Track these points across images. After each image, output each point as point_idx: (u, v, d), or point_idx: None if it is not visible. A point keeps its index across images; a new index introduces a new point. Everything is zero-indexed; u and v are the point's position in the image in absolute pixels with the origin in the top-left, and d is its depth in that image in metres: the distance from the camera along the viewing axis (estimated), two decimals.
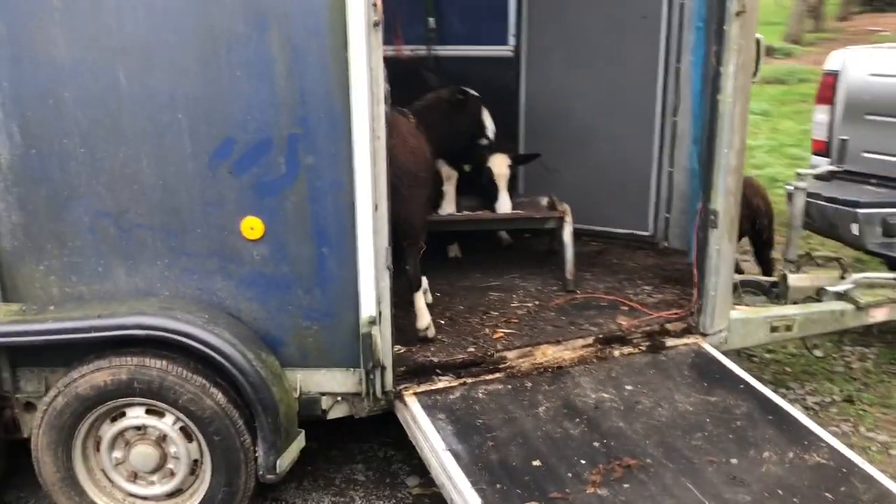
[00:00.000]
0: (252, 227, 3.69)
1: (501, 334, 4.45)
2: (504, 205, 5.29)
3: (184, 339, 3.51)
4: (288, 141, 3.59)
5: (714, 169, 4.31)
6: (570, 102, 5.79)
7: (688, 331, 4.59)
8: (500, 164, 5.27)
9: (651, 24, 5.54)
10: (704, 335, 4.53)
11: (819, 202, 5.78)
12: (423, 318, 4.38)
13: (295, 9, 3.45)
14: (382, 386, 3.88)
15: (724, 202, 4.34)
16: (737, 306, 4.89)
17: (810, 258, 5.40)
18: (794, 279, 5.07)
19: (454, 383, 4.02)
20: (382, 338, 3.82)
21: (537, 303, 4.91)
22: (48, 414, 3.60)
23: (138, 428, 3.70)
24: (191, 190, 3.66)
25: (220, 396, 3.59)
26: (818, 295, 5.03)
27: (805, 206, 5.29)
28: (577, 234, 5.96)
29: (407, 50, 6.29)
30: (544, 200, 5.57)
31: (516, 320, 4.64)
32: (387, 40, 6.25)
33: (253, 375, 3.56)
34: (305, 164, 3.62)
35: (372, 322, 3.73)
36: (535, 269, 5.42)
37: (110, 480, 3.79)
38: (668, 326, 4.61)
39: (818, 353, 5.42)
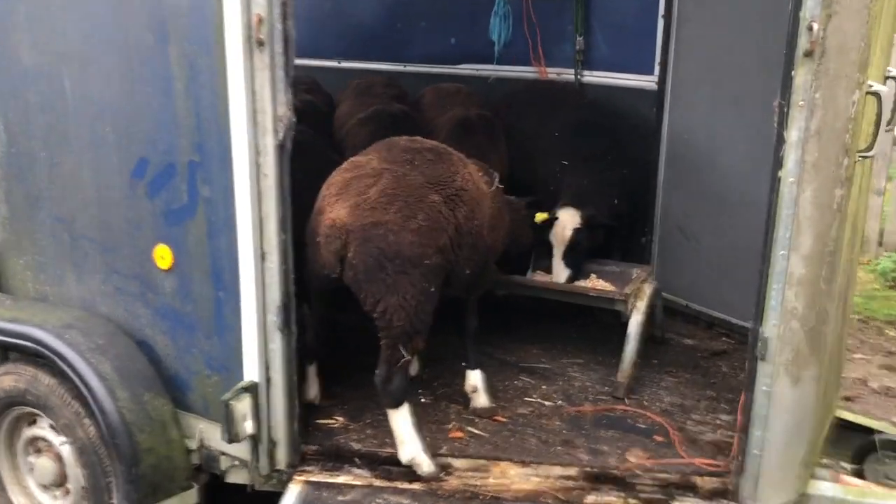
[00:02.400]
0: (163, 255, 3.38)
1: (461, 435, 3.56)
2: (557, 272, 4.26)
3: (59, 362, 3.34)
4: (188, 168, 3.21)
5: (767, 278, 2.94)
6: (715, 152, 4.45)
7: (722, 494, 3.24)
8: (562, 222, 4.25)
9: None
10: None
11: None
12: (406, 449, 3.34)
13: (188, 20, 3.04)
14: (272, 462, 3.33)
15: (781, 327, 2.94)
16: (847, 478, 3.37)
17: None
18: None
19: (358, 482, 3.30)
20: (272, 409, 3.27)
21: (559, 403, 3.87)
22: None
23: (45, 439, 3.64)
24: (119, 206, 3.46)
25: (91, 429, 3.35)
26: None
27: None
28: (709, 324, 4.68)
29: (552, 74, 5.43)
30: (635, 272, 4.38)
31: (505, 419, 3.69)
32: (525, 61, 5.56)
33: (112, 416, 3.25)
34: (203, 195, 3.20)
35: (247, 389, 3.19)
36: (609, 360, 4.28)
37: (26, 485, 3.79)
38: (697, 480, 3.29)
39: None
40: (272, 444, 3.32)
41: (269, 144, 3.00)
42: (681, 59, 4.56)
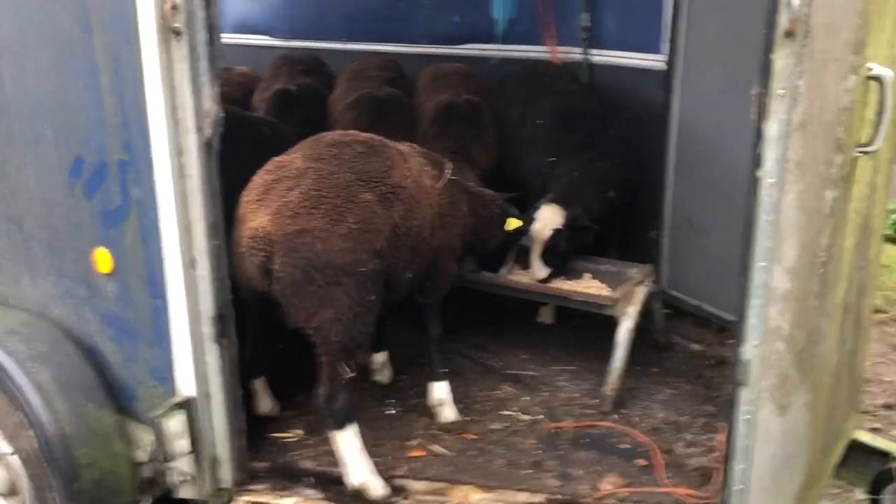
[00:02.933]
0: (103, 259, 3.17)
1: (423, 454, 3.28)
2: (535, 269, 3.90)
3: None
4: (119, 167, 2.98)
5: (746, 293, 2.55)
6: (728, 138, 4.00)
7: None
8: (542, 220, 3.87)
9: None
10: None
11: None
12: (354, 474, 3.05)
13: (109, 8, 2.79)
14: (215, 481, 3.12)
15: (764, 349, 2.56)
16: None
17: None
18: None
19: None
20: (212, 425, 3.06)
21: (538, 417, 3.56)
22: None
23: None
24: (61, 207, 3.27)
25: (34, 441, 3.19)
26: None
27: None
28: (721, 328, 4.28)
29: (561, 53, 5.02)
30: (633, 271, 4.00)
31: (473, 436, 3.40)
32: (539, 40, 5.15)
33: (48, 428, 3.08)
34: (134, 197, 2.97)
35: (181, 405, 2.98)
36: (606, 368, 3.90)
37: None
38: None
39: None
40: (215, 461, 3.11)
41: (191, 143, 2.75)
42: (691, 37, 4.10)
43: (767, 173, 2.40)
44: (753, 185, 2.46)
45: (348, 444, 3.00)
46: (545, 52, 5.03)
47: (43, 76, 3.11)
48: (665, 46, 4.28)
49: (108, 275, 3.18)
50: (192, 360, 2.96)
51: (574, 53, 4.91)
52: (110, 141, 2.95)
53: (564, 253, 3.91)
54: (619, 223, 4.33)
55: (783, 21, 2.25)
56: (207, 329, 2.94)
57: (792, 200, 2.42)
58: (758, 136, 2.42)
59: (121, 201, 3.02)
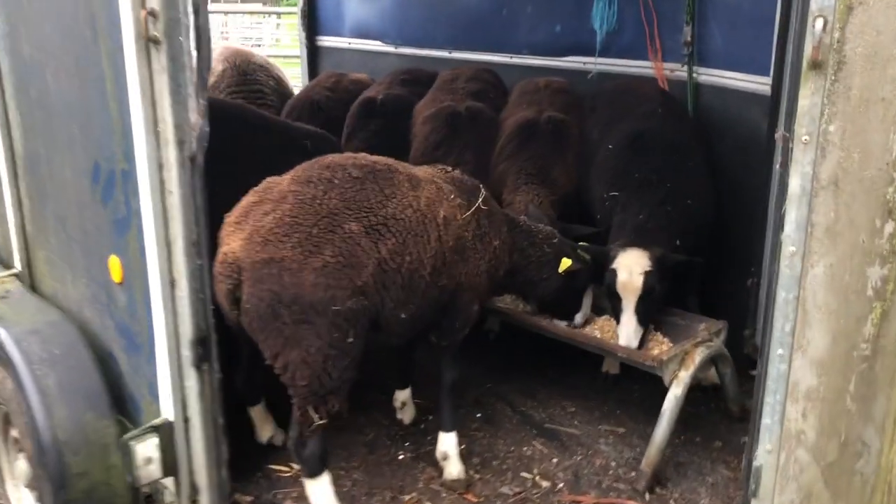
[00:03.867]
0: (115, 267, 3.13)
1: None
2: (623, 332, 3.35)
3: (12, 369, 3.21)
4: (122, 176, 2.90)
5: (762, 383, 2.04)
6: None
7: None
8: (627, 268, 3.34)
9: None
10: None
11: None
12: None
13: (108, 12, 2.69)
14: None
15: (781, 456, 2.05)
16: None
17: None
18: None
19: None
20: (192, 451, 2.91)
21: (559, 486, 3.12)
22: None
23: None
24: (89, 210, 3.25)
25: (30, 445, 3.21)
26: None
27: None
28: None
29: (666, 70, 4.46)
30: (701, 326, 3.43)
31: (476, 500, 3.04)
32: (643, 55, 4.61)
33: (43, 434, 3.04)
34: (135, 208, 2.88)
35: (157, 428, 2.85)
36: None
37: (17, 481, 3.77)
38: None
39: None
40: (194, 489, 2.96)
41: (172, 157, 2.60)
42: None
43: (788, 239, 1.89)
44: (774, 251, 1.95)
45: (318, 493, 2.75)
46: (648, 67, 4.51)
47: (71, 78, 3.10)
48: (772, 67, 3.67)
49: (119, 284, 3.13)
50: (171, 383, 2.83)
51: (680, 71, 4.36)
52: (116, 149, 2.87)
53: (659, 300, 3.41)
54: (695, 270, 3.74)
55: (808, 48, 1.75)
56: (187, 353, 2.79)
57: (820, 275, 1.90)
58: (780, 190, 1.92)
59: (125, 211, 2.95)
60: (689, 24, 4.19)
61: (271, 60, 5.93)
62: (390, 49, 6.08)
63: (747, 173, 3.91)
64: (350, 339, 2.62)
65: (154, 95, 2.56)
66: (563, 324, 3.54)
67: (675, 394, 3.14)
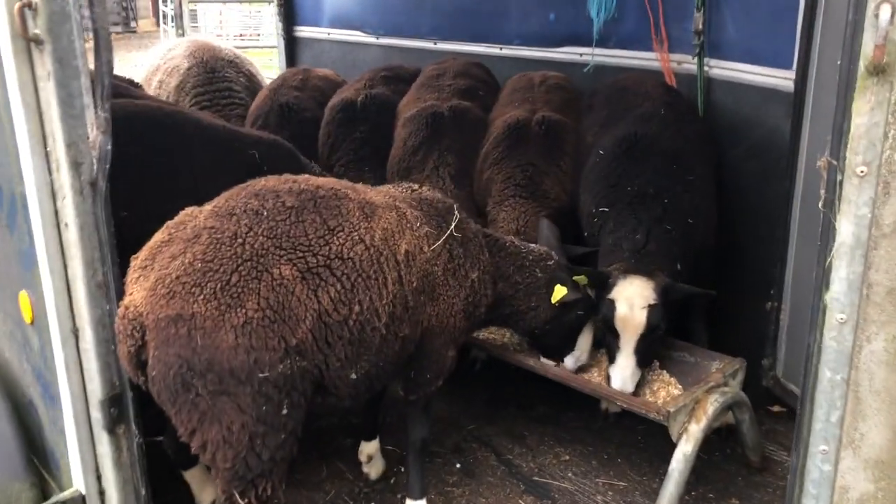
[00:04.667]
0: (25, 305, 2.66)
1: None
2: (618, 374, 2.86)
3: None
4: (21, 202, 2.43)
5: (798, 487, 1.56)
6: None
7: None
8: (627, 300, 2.84)
9: None
10: None
11: None
12: None
13: None
14: None
15: None
16: None
17: None
18: None
19: None
20: None
21: None
22: None
23: None
24: (1, 239, 2.81)
25: None
26: None
27: None
28: None
29: (674, 63, 3.95)
30: (714, 366, 2.95)
31: None
32: (646, 45, 4.10)
33: None
34: (36, 240, 2.41)
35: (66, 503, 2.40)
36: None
37: None
38: None
39: None
40: None
41: (65, 183, 2.13)
42: (829, 49, 2.99)
43: (836, 303, 1.41)
44: (817, 316, 1.47)
45: None
46: (652, 59, 4.01)
47: None
48: (795, 61, 3.17)
49: (30, 324, 2.67)
50: (79, 450, 2.37)
51: (689, 64, 3.85)
52: (13, 170, 2.41)
53: (661, 338, 2.93)
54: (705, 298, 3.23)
55: (866, 46, 1.26)
56: (97, 414, 2.33)
57: (879, 352, 1.42)
58: (824, 235, 1.43)
59: (28, 242, 2.48)
60: (699, 10, 3.69)
61: (241, 54, 5.44)
62: (371, 40, 5.59)
63: (765, 182, 3.43)
64: (284, 412, 2.12)
65: (40, 107, 2.09)
66: (553, 363, 3.06)
67: (684, 451, 2.66)
